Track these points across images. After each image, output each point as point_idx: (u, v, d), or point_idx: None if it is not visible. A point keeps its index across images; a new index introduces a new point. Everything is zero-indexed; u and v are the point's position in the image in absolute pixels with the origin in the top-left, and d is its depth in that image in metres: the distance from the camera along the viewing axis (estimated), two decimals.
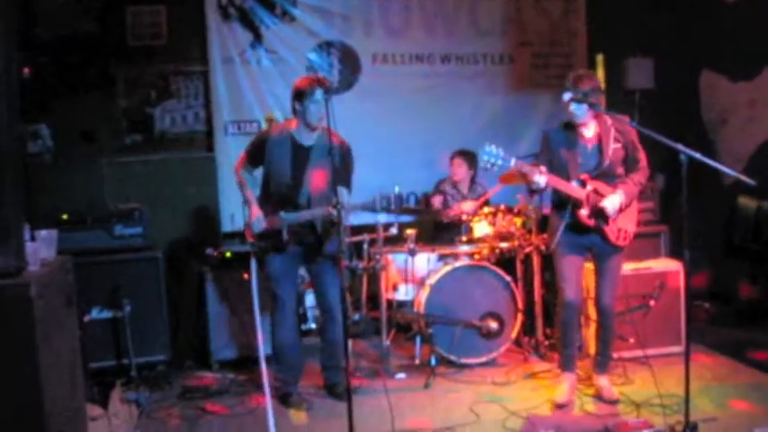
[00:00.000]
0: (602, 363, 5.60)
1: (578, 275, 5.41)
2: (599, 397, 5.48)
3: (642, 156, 5.31)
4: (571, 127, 5.29)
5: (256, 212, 5.38)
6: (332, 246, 5.35)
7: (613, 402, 5.36)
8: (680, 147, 4.46)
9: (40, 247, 3.94)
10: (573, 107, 5.12)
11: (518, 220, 6.51)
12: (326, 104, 4.84)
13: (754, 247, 7.12)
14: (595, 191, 5.17)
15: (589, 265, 5.63)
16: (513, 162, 4.94)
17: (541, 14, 8.28)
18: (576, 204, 5.17)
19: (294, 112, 5.34)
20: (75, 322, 4.43)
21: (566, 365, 5.57)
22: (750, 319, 7.12)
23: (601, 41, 8.40)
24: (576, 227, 5.25)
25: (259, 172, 5.54)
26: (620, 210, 5.19)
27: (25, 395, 3.41)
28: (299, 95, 5.23)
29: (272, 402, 5.36)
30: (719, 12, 7.83)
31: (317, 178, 5.32)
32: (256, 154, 5.44)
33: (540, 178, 4.99)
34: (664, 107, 8.30)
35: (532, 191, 5.26)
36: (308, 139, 5.35)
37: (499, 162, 4.91)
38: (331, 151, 4.68)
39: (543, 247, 6.45)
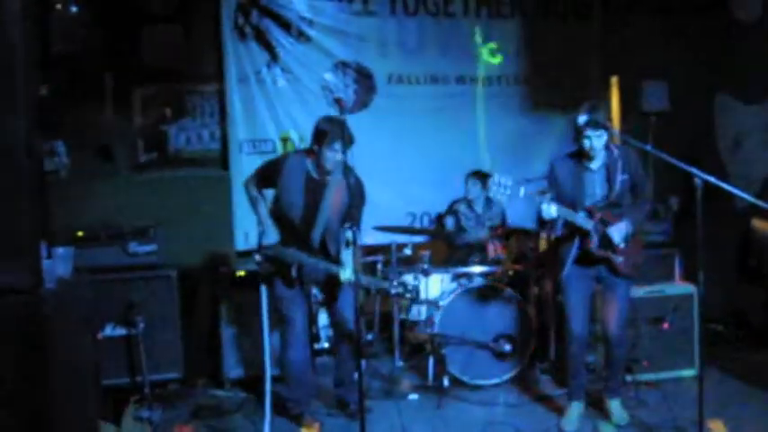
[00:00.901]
0: (613, 387, 5.60)
1: (585, 307, 5.42)
2: (609, 420, 5.46)
3: (649, 186, 5.38)
4: (578, 157, 5.29)
5: (272, 234, 5.34)
6: (346, 300, 5.42)
7: (623, 426, 5.35)
8: (695, 170, 4.46)
9: (57, 265, 3.97)
10: (592, 138, 5.09)
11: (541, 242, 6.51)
12: (344, 154, 4.98)
13: (767, 270, 7.09)
14: (602, 220, 5.18)
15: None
16: (521, 192, 4.96)
17: (556, 36, 8.29)
18: (584, 235, 5.18)
19: (312, 148, 5.32)
20: (91, 339, 4.45)
21: (574, 394, 5.56)
22: (763, 343, 7.09)
23: (615, 63, 8.40)
24: (584, 258, 5.27)
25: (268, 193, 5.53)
26: (627, 239, 5.20)
27: (38, 412, 3.42)
28: (319, 138, 5.21)
29: (284, 422, 5.41)
30: (734, 35, 7.83)
31: (332, 213, 5.32)
32: (269, 176, 5.39)
33: (550, 208, 5.00)
34: (678, 130, 8.28)
35: (543, 221, 5.23)
36: (321, 174, 5.34)
37: (508, 192, 4.94)
38: (350, 187, 4.72)
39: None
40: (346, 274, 5.21)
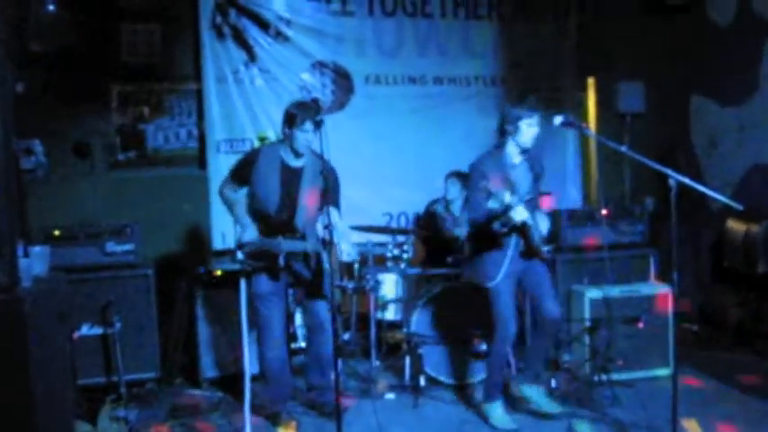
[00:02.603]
0: (539, 373, 5.67)
1: (516, 308, 5.50)
2: (535, 412, 5.55)
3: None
4: (498, 156, 5.37)
5: (252, 231, 5.31)
6: (326, 286, 5.34)
7: (556, 414, 5.47)
8: (669, 171, 4.50)
9: (34, 264, 3.96)
10: (534, 126, 5.25)
11: None
12: (315, 134, 5.00)
13: (742, 270, 7.16)
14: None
15: None
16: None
17: (533, 37, 8.34)
18: (523, 231, 5.24)
19: (283, 134, 5.36)
20: (67, 339, 4.44)
21: (499, 392, 5.58)
22: (738, 343, 7.16)
23: (592, 65, 8.47)
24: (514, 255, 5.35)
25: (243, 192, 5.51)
26: None
27: (16, 411, 3.41)
28: (289, 121, 5.25)
29: (261, 422, 5.44)
30: (710, 37, 7.90)
31: (309, 201, 5.34)
32: (242, 173, 5.38)
33: (523, 211, 5.02)
34: (654, 131, 8.36)
35: (507, 225, 5.21)
36: (295, 161, 5.36)
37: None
38: (323, 172, 4.74)
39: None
40: (345, 250, 5.26)
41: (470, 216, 5.38)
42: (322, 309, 5.51)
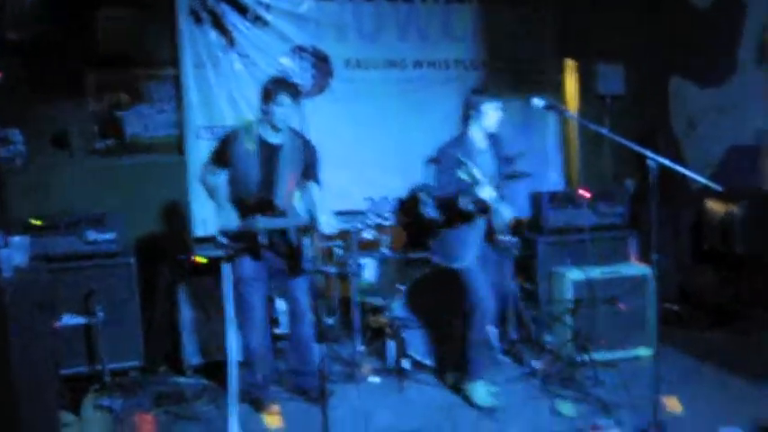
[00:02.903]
0: (486, 365, 5.75)
1: (490, 285, 5.59)
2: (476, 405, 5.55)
3: None
4: (463, 141, 5.48)
5: (233, 216, 5.31)
6: (307, 262, 5.35)
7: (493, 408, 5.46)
8: (648, 153, 4.51)
9: (14, 254, 3.93)
10: (495, 110, 5.42)
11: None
12: (292, 108, 5.06)
13: (721, 250, 7.21)
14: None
15: None
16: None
17: (513, 20, 8.34)
18: (486, 213, 5.45)
19: (261, 112, 5.33)
20: (48, 329, 4.41)
21: (481, 372, 5.64)
22: (718, 322, 7.21)
23: (572, 47, 8.48)
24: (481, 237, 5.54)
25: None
26: None
27: None
28: (266, 96, 5.25)
29: (245, 407, 5.45)
30: (689, 19, 7.93)
31: (289, 177, 5.33)
32: (222, 155, 5.36)
33: (487, 190, 5.13)
34: (634, 112, 8.39)
35: (475, 206, 5.33)
36: (274, 138, 5.34)
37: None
38: (303, 148, 4.73)
39: (516, 252, 6.54)
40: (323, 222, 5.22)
41: (438, 194, 5.48)
42: (302, 293, 5.51)
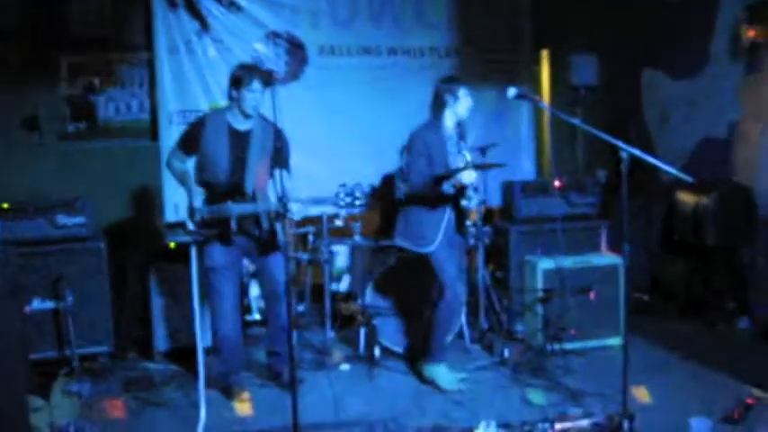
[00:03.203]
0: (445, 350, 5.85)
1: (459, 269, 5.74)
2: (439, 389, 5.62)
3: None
4: (438, 126, 5.60)
5: (202, 201, 5.27)
6: (280, 253, 5.30)
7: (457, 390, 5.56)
8: (620, 143, 4.52)
9: None
10: (469, 102, 5.59)
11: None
12: (263, 94, 5.05)
13: (692, 242, 7.26)
14: None
15: None
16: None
17: (487, 9, 8.34)
18: (457, 198, 5.58)
19: (230, 98, 5.29)
20: (18, 313, 4.38)
21: (443, 354, 5.74)
22: (688, 313, 7.27)
23: (546, 37, 8.50)
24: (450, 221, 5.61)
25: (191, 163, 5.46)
26: None
27: None
28: (236, 82, 5.20)
29: (215, 394, 5.46)
30: (662, 10, 7.95)
31: (259, 163, 5.29)
32: (190, 142, 5.35)
33: (470, 174, 5.32)
34: (607, 103, 8.41)
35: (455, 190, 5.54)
36: (243, 124, 5.31)
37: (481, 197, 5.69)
38: (272, 135, 4.70)
39: (488, 240, 6.58)
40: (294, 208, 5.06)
41: (414, 180, 5.51)
42: (278, 270, 5.39)
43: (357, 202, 4.93)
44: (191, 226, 5.28)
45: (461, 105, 5.56)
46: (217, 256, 5.35)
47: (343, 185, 4.88)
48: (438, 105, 5.61)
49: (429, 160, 5.46)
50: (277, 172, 5.09)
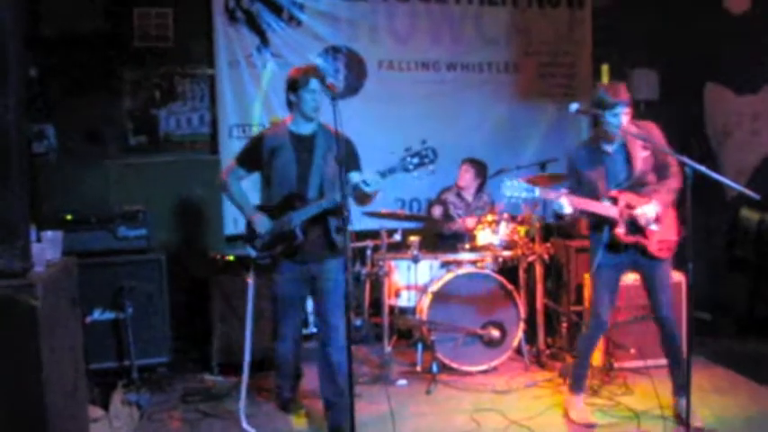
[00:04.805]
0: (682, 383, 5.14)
1: (613, 298, 5.30)
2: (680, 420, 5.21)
3: (673, 161, 5.09)
4: (594, 143, 5.23)
5: (259, 216, 5.11)
6: (340, 238, 5.03)
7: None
8: (685, 159, 4.46)
9: (46, 248, 3.95)
10: (620, 115, 4.95)
11: (521, 229, 6.53)
12: (321, 95, 4.90)
13: (754, 260, 7.13)
14: (628, 205, 5.03)
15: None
16: (537, 192, 4.91)
17: (547, 24, 8.32)
18: (612, 223, 5.05)
19: (289, 104, 5.11)
20: (79, 323, 4.43)
21: (582, 386, 5.44)
22: (750, 332, 7.13)
23: (606, 52, 8.42)
24: (616, 246, 5.12)
25: (250, 182, 5.35)
26: (657, 219, 5.03)
27: (28, 395, 3.41)
28: (293, 85, 5.02)
29: (272, 408, 5.56)
30: (725, 24, 7.84)
31: (325, 168, 5.06)
32: (251, 157, 5.18)
33: (564, 203, 4.92)
34: (668, 119, 8.23)
35: (559, 216, 5.23)
36: (305, 128, 5.11)
37: (524, 194, 4.88)
38: (336, 138, 4.44)
39: (546, 257, 6.51)
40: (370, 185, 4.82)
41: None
42: (332, 321, 5.07)
43: (426, 161, 4.78)
44: (253, 253, 5.15)
45: (615, 120, 4.98)
46: (284, 285, 5.15)
47: (408, 149, 4.75)
48: (594, 120, 5.19)
49: (578, 183, 5.24)
50: (352, 174, 4.99)
